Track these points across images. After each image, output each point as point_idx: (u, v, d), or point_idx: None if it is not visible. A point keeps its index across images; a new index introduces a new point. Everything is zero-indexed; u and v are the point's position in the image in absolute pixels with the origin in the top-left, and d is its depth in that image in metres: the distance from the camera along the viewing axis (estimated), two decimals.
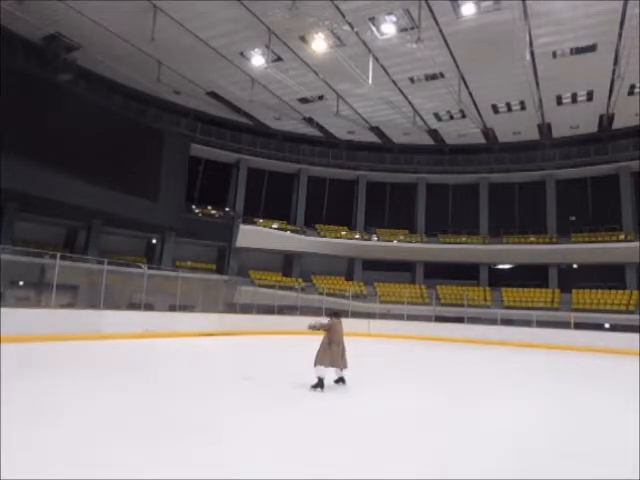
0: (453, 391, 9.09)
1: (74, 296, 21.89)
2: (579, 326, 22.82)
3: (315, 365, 7.91)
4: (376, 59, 22.56)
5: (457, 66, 23.05)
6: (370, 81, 22.35)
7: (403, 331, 24.14)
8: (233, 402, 6.93)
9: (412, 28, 19.52)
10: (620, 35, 19.59)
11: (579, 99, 26.26)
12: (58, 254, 15.08)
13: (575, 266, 31.84)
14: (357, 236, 33.87)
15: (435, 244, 32.86)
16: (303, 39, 21.28)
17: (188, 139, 30.11)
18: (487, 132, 31.44)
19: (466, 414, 6.96)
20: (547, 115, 28.40)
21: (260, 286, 29.04)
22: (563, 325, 23.15)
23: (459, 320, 25.65)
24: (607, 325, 25.98)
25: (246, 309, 23.43)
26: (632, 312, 26.07)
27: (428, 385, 9.89)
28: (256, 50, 22.63)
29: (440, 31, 20.08)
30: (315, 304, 26.73)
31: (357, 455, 4.69)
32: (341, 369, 8.33)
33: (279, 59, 23.27)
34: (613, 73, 22.38)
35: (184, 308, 20.73)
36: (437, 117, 29.68)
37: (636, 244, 27.87)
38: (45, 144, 20.85)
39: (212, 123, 32.41)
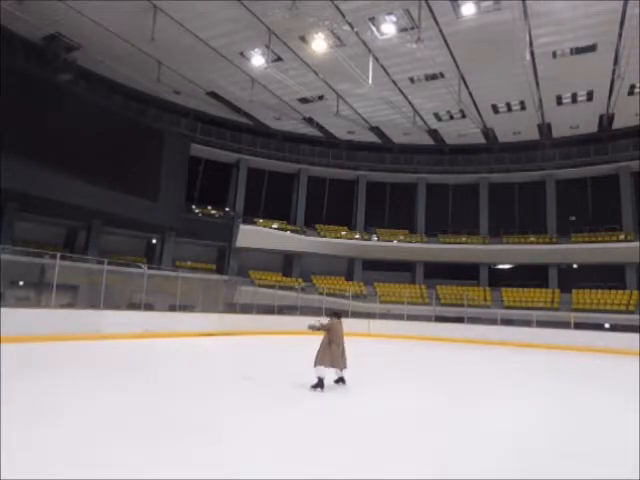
0: (453, 391, 9.09)
1: (74, 296, 21.89)
2: (579, 326, 22.82)
3: (315, 365, 7.91)
4: (376, 59, 22.56)
5: (457, 66, 23.05)
6: (370, 81, 22.36)
7: (403, 331, 24.14)
8: (233, 402, 6.92)
9: (412, 28, 19.52)
10: (620, 35, 19.59)
11: (579, 99, 26.26)
12: (58, 254, 15.08)
13: (575, 266, 31.84)
14: (357, 236, 33.87)
15: (435, 244, 32.86)
16: (303, 39, 21.28)
17: (188, 139, 30.11)
18: (487, 132, 31.45)
19: (466, 414, 6.96)
20: (547, 115, 28.40)
21: (260, 286, 29.04)
22: (563, 325, 23.14)
23: (459, 320, 25.65)
24: (607, 325, 25.98)
25: (246, 309, 23.43)
26: (632, 312, 26.07)
27: (428, 385, 9.89)
28: (256, 50, 22.63)
29: (440, 31, 20.08)
30: (315, 304, 26.73)
31: (357, 455, 4.69)
32: (341, 369, 8.33)
33: (279, 59, 23.27)
34: (613, 73, 22.38)
35: (184, 308, 20.73)
36: (437, 117, 29.68)
37: (636, 244, 27.87)
38: (45, 144, 20.85)
39: (212, 123, 32.41)
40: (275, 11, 18.92)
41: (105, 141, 23.58)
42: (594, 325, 24.40)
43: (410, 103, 27.59)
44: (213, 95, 28.84)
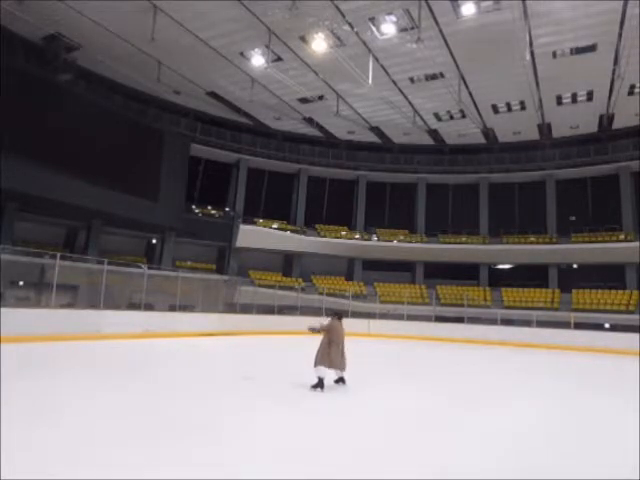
0: (453, 391, 9.09)
1: (74, 296, 21.90)
2: (579, 326, 22.81)
3: (315, 365, 7.90)
4: (376, 59, 22.56)
5: (457, 66, 23.05)
6: (370, 81, 22.36)
7: (403, 331, 24.13)
8: (233, 402, 6.92)
9: (412, 28, 19.52)
10: (620, 35, 19.59)
11: (579, 99, 26.26)
12: (58, 254, 15.07)
13: (575, 266, 31.84)
14: (357, 236, 33.87)
15: (435, 244, 32.87)
16: (303, 39, 21.28)
17: (188, 139, 30.12)
18: (487, 132, 31.45)
19: (466, 414, 6.96)
20: (547, 115, 28.40)
21: (260, 286, 29.04)
22: (563, 325, 23.14)
23: (459, 320, 25.64)
24: (607, 325, 25.98)
25: (246, 309, 23.43)
26: (632, 312, 26.07)
27: (428, 385, 9.89)
28: (256, 50, 22.63)
29: (440, 31, 20.08)
30: (315, 304, 26.74)
31: (357, 455, 4.69)
32: (341, 371, 8.32)
33: (279, 59, 23.27)
34: (613, 73, 22.38)
35: (184, 308, 20.72)
36: (437, 117, 29.69)
37: (636, 244, 27.87)
38: (45, 144, 20.85)
39: (212, 123, 32.42)
40: (275, 11, 18.92)
41: (105, 141, 23.58)
42: (594, 325, 24.40)
43: (410, 103, 27.59)
44: (213, 95, 28.84)
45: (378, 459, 4.57)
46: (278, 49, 22.31)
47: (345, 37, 20.87)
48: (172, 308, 20.20)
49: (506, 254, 31.99)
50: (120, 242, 29.31)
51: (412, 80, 24.90)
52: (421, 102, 27.50)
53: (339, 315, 8.68)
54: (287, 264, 34.47)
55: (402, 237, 33.78)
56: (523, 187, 34.26)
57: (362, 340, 19.60)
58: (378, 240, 33.59)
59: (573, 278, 31.05)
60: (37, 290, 21.18)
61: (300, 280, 31.94)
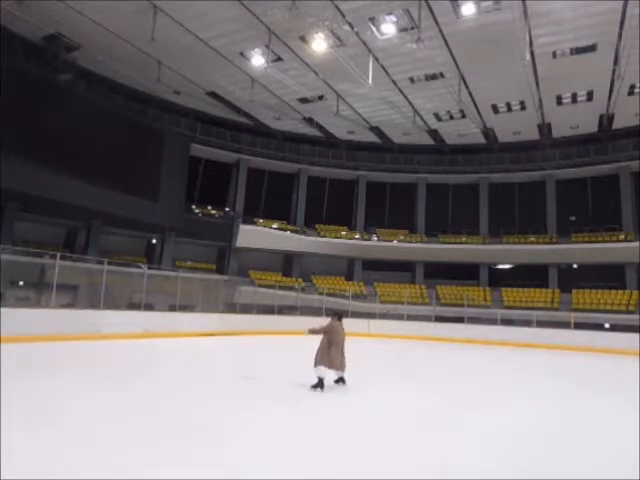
0: (453, 391, 9.09)
1: (74, 296, 21.90)
2: (579, 326, 22.81)
3: (315, 365, 7.90)
4: (376, 59, 22.56)
5: (457, 66, 23.05)
6: (370, 81, 22.36)
7: (403, 331, 24.13)
8: (233, 402, 6.92)
9: (412, 28, 19.53)
10: (620, 35, 19.60)
11: (579, 99, 26.26)
12: (58, 254, 15.07)
13: (575, 266, 31.85)
14: (357, 236, 33.87)
15: (435, 244, 32.87)
16: (303, 39, 21.28)
17: (188, 139, 30.12)
18: (487, 132, 31.45)
19: (466, 414, 6.96)
20: (547, 115, 28.40)
21: (260, 286, 29.04)
22: (563, 325, 23.14)
23: (459, 320, 25.64)
24: (607, 325, 25.98)
25: (246, 309, 23.43)
26: (632, 312, 26.07)
27: (428, 385, 9.89)
28: (256, 50, 22.64)
29: (440, 31, 20.09)
30: (315, 304, 26.74)
31: (357, 455, 4.69)
32: (341, 371, 8.31)
33: (279, 59, 23.27)
34: (613, 73, 22.38)
35: (184, 308, 20.72)
36: (437, 117, 29.69)
37: (636, 244, 27.87)
38: (45, 144, 20.85)
39: (212, 123, 32.42)
40: (275, 11, 18.92)
41: (105, 141, 23.58)
42: (594, 325, 24.40)
43: (410, 103, 27.59)
44: (213, 95, 28.84)
45: (378, 459, 4.57)
46: (278, 49, 22.31)
47: (345, 37, 20.87)
48: (172, 308, 20.20)
49: (506, 254, 31.99)
50: (120, 242, 29.31)
51: (412, 80, 24.90)
52: (421, 102, 27.50)
53: (339, 315, 8.67)
54: (287, 264, 34.47)
55: (402, 237, 33.78)
56: (523, 187, 34.27)
57: (362, 340, 19.60)
58: (378, 240, 33.60)
59: (573, 278, 31.06)
60: (37, 290, 21.18)
61: (300, 280, 31.94)
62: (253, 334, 20.33)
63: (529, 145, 32.84)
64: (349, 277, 34.29)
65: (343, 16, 19.33)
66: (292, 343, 17.87)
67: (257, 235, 31.51)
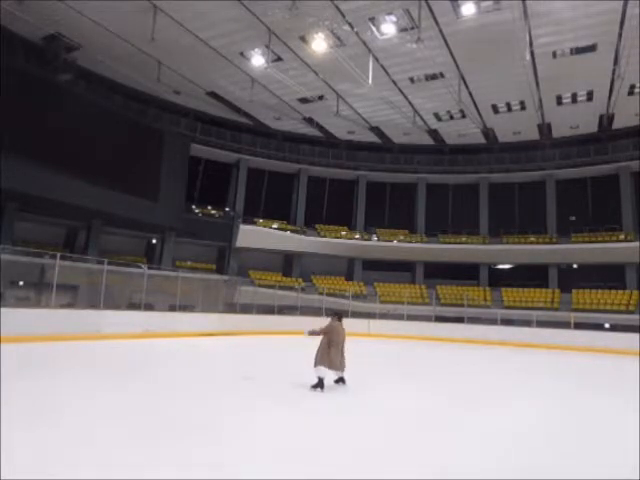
0: (453, 391, 9.09)
1: (74, 296, 21.90)
2: (579, 326, 22.81)
3: (315, 365, 7.90)
4: (376, 59, 22.56)
5: (457, 66, 23.06)
6: (370, 81, 22.36)
7: (403, 331, 24.13)
8: (233, 402, 6.92)
9: (412, 28, 19.53)
10: (620, 35, 19.60)
11: (579, 99, 26.26)
12: (58, 254, 15.07)
13: (575, 266, 31.85)
14: (357, 236, 33.87)
15: (435, 244, 32.87)
16: (303, 39, 21.28)
17: (188, 139, 30.12)
18: (487, 132, 31.45)
19: (466, 414, 6.96)
20: (547, 115, 28.40)
21: (260, 286, 29.04)
22: (563, 325, 23.14)
23: (459, 320, 25.64)
24: (607, 325, 25.98)
25: (246, 309, 23.43)
26: (632, 312, 26.07)
27: (428, 385, 9.89)
28: (256, 50, 22.64)
29: (440, 31, 20.09)
30: (315, 304, 26.74)
31: (357, 455, 4.69)
32: (340, 371, 8.31)
33: (279, 59, 23.27)
34: (613, 73, 22.38)
35: (184, 308, 20.72)
36: (437, 117, 29.69)
37: (636, 244, 27.87)
38: (45, 144, 20.85)
39: (212, 123, 32.42)
40: (275, 11, 18.92)
41: (105, 141, 23.59)
42: (594, 325, 24.40)
43: (410, 103, 27.59)
44: (213, 95, 28.84)
45: (378, 459, 4.57)
46: (278, 49, 22.31)
47: (345, 37, 20.87)
48: (172, 308, 20.20)
49: (506, 254, 31.99)
50: (120, 242, 29.31)
51: (412, 80, 24.90)
52: (421, 102, 27.51)
53: (339, 315, 8.66)
54: (287, 264, 34.47)
55: (402, 237, 33.78)
56: (523, 187, 34.27)
57: (362, 340, 19.60)
58: (378, 240, 33.60)
59: (573, 278, 31.06)
60: (37, 290, 21.18)
61: (300, 280, 31.94)
62: (253, 334, 20.33)
63: (529, 145, 32.84)
64: (349, 277, 34.29)
65: (343, 16, 19.33)
66: (292, 343, 17.87)
67: (257, 235, 31.51)
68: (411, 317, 25.83)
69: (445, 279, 33.06)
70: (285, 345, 17.68)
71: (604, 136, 30.72)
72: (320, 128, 32.82)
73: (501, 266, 33.77)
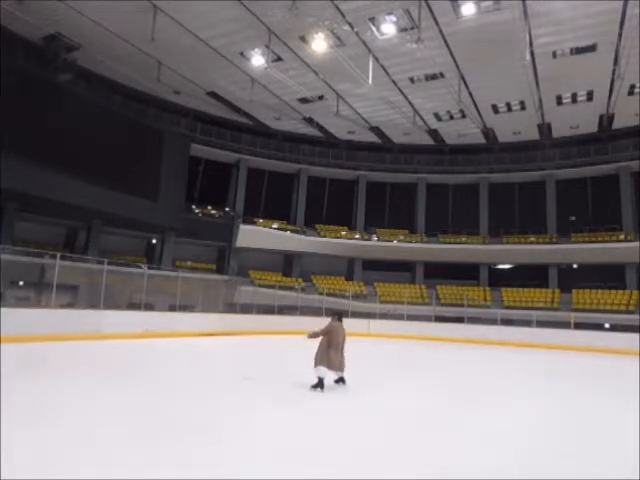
0: (453, 391, 9.09)
1: (74, 296, 21.90)
2: (579, 326, 22.82)
3: (315, 365, 7.90)
4: (376, 59, 22.57)
5: (457, 66, 23.06)
6: (370, 81, 22.36)
7: (403, 331, 24.13)
8: (233, 402, 6.92)
9: (412, 28, 19.53)
10: (620, 35, 19.60)
11: (579, 99, 26.26)
12: (58, 254, 15.07)
13: (575, 266, 31.85)
14: (357, 236, 33.87)
15: (435, 244, 32.87)
16: (303, 39, 21.29)
17: (188, 139, 30.12)
18: (487, 132, 31.45)
19: (466, 414, 6.96)
20: (547, 115, 28.40)
21: (260, 286, 29.04)
22: (563, 325, 23.14)
23: (459, 320, 25.65)
24: (607, 325, 25.98)
25: (246, 309, 23.43)
26: (632, 312, 26.07)
27: (428, 385, 9.89)
28: (256, 50, 22.64)
29: (440, 31, 20.09)
30: (315, 304, 26.74)
31: (357, 455, 4.69)
32: (340, 372, 8.30)
33: (279, 59, 23.27)
34: (613, 73, 22.38)
35: (184, 308, 20.72)
36: (437, 117, 29.69)
37: (636, 244, 27.87)
38: (45, 144, 20.85)
39: (212, 123, 32.42)
40: (275, 11, 18.92)
41: (105, 141, 23.58)
42: (594, 325, 24.40)
43: (410, 103, 27.59)
44: (213, 95, 28.84)
45: (378, 459, 4.57)
46: (278, 49, 22.31)
47: (345, 37, 20.88)
48: (172, 308, 20.20)
49: (506, 254, 31.99)
50: (120, 242, 29.31)
51: (412, 80, 24.90)
52: (421, 102, 27.51)
53: (339, 315, 8.65)
54: (287, 264, 34.47)
55: (402, 237, 33.78)
56: (523, 187, 34.27)
57: (362, 340, 19.60)
58: (378, 240, 33.60)
59: (573, 278, 31.06)
60: (37, 290, 21.18)
61: (300, 280, 31.94)
62: (253, 334, 20.33)
63: (529, 145, 32.84)
64: (349, 277, 34.29)
65: (343, 16, 19.33)
66: (292, 343, 17.81)
67: (257, 235, 31.51)
68: (411, 317, 25.84)
69: (445, 279, 33.06)
70: (285, 345, 17.68)
71: (604, 136, 30.72)
72: (320, 128, 32.82)
73: (501, 266, 33.77)
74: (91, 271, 19.82)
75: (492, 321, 24.68)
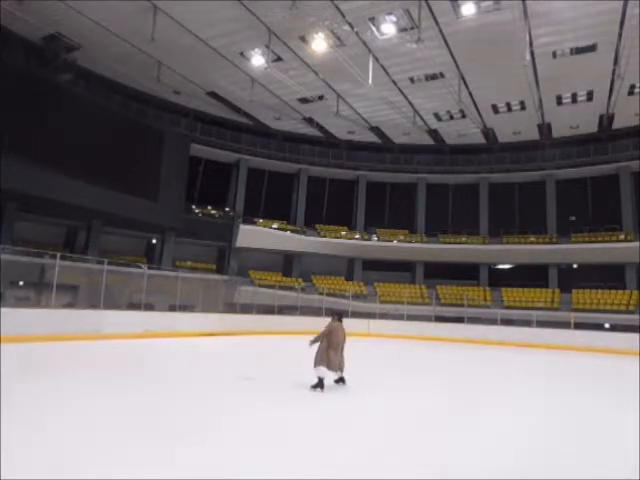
0: (453, 391, 9.09)
1: (74, 296, 21.89)
2: (579, 326, 22.82)
3: (315, 365, 7.90)
4: (376, 59, 22.56)
5: (457, 66, 23.05)
6: (370, 81, 22.35)
7: (403, 331, 24.14)
8: (233, 402, 6.93)
9: (412, 28, 19.53)
10: (620, 35, 19.60)
11: (579, 99, 26.26)
12: (58, 254, 15.08)
13: (575, 266, 31.85)
14: (357, 236, 33.87)
15: (435, 244, 32.87)
16: (303, 39, 21.28)
17: (188, 139, 30.11)
18: (487, 132, 31.45)
19: (466, 414, 6.97)
20: (547, 115, 28.40)
21: (260, 286, 29.04)
22: (563, 325, 23.15)
23: (459, 320, 25.65)
24: (607, 325, 25.98)
25: (246, 309, 23.43)
26: (632, 312, 26.07)
27: (428, 385, 9.89)
28: (256, 50, 22.64)
29: (440, 31, 20.09)
30: (315, 304, 26.75)
31: (357, 455, 4.69)
32: (340, 372, 8.30)
33: (279, 59, 23.27)
34: (613, 73, 22.38)
35: (184, 308, 20.72)
36: (437, 117, 29.69)
37: (636, 244, 27.87)
38: (45, 144, 20.84)
39: (212, 123, 32.42)
40: (275, 11, 18.92)
41: (105, 141, 23.57)
42: (594, 325, 24.40)
43: (410, 103, 27.59)
44: (213, 95, 28.84)
45: (378, 459, 4.57)
46: (278, 49, 22.31)
47: (345, 37, 20.87)
48: (172, 308, 20.20)
49: (506, 254, 31.99)
50: (120, 242, 29.30)
51: (412, 80, 24.90)
52: (421, 102, 27.51)
53: (339, 315, 8.65)
54: (287, 264, 34.46)
55: (402, 237, 33.78)
56: (523, 187, 34.27)
57: (362, 340, 19.60)
58: (378, 240, 33.60)
59: (573, 278, 31.06)
60: (37, 290, 21.17)
61: (300, 280, 31.94)
62: (253, 334, 20.33)
63: (529, 145, 32.84)
64: (349, 277, 34.29)
65: (343, 16, 19.33)
66: (292, 343, 17.86)
67: (257, 235, 31.51)
68: (411, 317, 25.84)
69: (445, 279, 33.06)
70: (285, 345, 17.68)
71: (604, 136, 30.72)
72: (320, 128, 32.82)
73: (501, 266, 33.76)
74: (91, 271, 19.81)
75: (492, 321, 24.69)
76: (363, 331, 23.66)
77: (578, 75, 23.28)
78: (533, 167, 33.04)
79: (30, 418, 5.35)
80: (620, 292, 28.21)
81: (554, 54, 21.61)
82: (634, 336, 19.76)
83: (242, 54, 23.21)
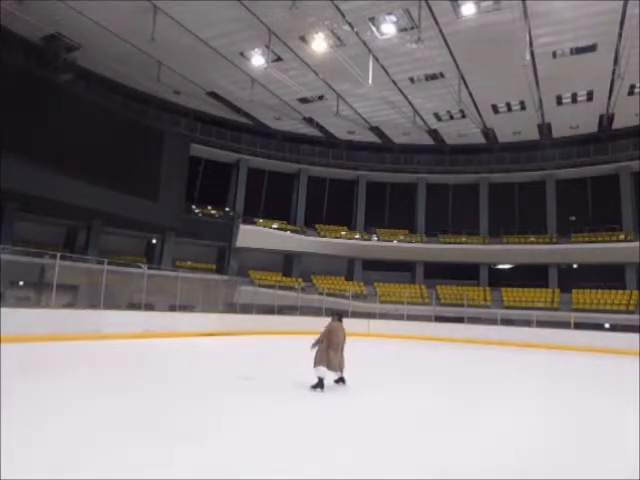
0: (453, 391, 9.09)
1: (74, 296, 21.89)
2: (579, 326, 22.82)
3: (315, 365, 7.90)
4: (376, 59, 22.56)
5: (457, 66, 23.05)
6: (370, 81, 22.35)
7: (403, 331, 24.14)
8: (233, 402, 6.93)
9: (412, 28, 19.53)
10: (620, 35, 19.60)
11: (579, 99, 26.26)
12: (58, 254, 15.07)
13: (575, 266, 31.85)
14: (357, 236, 33.87)
15: (435, 244, 32.87)
16: (303, 39, 21.28)
17: (188, 139, 30.11)
18: (487, 132, 31.45)
19: (466, 414, 6.97)
20: (547, 115, 28.40)
21: (260, 286, 29.04)
22: (563, 325, 23.15)
23: (459, 320, 25.65)
24: (607, 325, 25.98)
25: (246, 309, 23.43)
26: (632, 312, 26.07)
27: (428, 385, 9.89)
28: (256, 50, 22.64)
29: (440, 31, 20.09)
30: (315, 304, 26.74)
31: (357, 455, 4.69)
32: (340, 372, 8.30)
33: (279, 59, 23.27)
34: (613, 73, 22.38)
35: (184, 308, 20.72)
36: (437, 117, 29.69)
37: (636, 244, 27.87)
38: (45, 144, 20.84)
39: (212, 123, 32.42)
40: (275, 11, 18.92)
41: (105, 141, 23.57)
42: (594, 325, 24.40)
43: (410, 103, 27.59)
44: (213, 95, 28.84)
45: (378, 459, 4.57)
46: (278, 49, 22.31)
47: (345, 37, 20.87)
48: (172, 308, 20.20)
49: (506, 254, 31.99)
50: (120, 242, 29.30)
51: (412, 80, 24.90)
52: (421, 102, 27.50)
53: (339, 315, 8.65)
54: (287, 264, 34.46)
55: (402, 237, 33.78)
56: (523, 187, 34.27)
57: (362, 340, 19.60)
58: (378, 240, 33.60)
59: (573, 278, 31.05)
60: (37, 290, 21.16)
61: (300, 280, 31.93)
62: (253, 334, 20.33)
63: (529, 145, 32.84)
64: (349, 277, 34.29)
65: (343, 16, 19.33)
66: (292, 343, 17.86)
67: (257, 235, 31.51)
68: (411, 317, 25.84)
69: (445, 279, 33.06)
70: (285, 345, 17.68)
71: (604, 136, 30.72)
72: (320, 128, 32.82)
73: (501, 266, 33.76)
74: (91, 271, 19.81)
75: (492, 321, 24.69)
76: (363, 331, 23.65)
77: (578, 75, 23.28)
78: (533, 167, 33.05)
79: (30, 418, 5.34)
80: (620, 292, 28.21)
81: (554, 54, 21.61)
82: (634, 336, 19.76)
83: (242, 54, 23.21)
